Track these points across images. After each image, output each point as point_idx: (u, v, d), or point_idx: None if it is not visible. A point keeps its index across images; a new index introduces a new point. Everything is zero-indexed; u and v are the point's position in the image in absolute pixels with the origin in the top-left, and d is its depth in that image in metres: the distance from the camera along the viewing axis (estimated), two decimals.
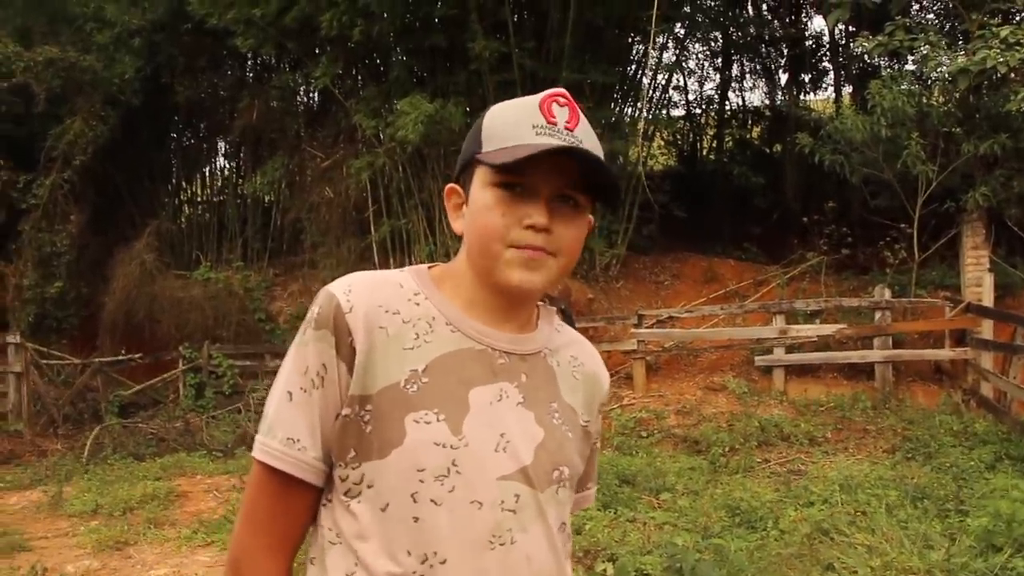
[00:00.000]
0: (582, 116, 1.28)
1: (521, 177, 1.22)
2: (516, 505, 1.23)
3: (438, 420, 1.20)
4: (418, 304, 1.27)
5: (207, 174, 17.95)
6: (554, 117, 1.25)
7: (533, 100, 1.27)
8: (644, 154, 14.12)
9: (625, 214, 13.10)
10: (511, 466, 1.23)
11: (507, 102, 1.31)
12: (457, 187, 1.33)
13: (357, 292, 1.24)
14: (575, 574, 5.13)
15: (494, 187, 1.23)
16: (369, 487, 1.20)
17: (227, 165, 17.83)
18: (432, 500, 1.18)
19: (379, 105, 12.93)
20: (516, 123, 1.25)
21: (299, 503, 1.25)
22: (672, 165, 18.00)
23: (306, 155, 14.53)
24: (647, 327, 11.03)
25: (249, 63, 16.08)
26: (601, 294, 12.51)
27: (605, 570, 5.02)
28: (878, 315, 10.19)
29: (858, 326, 10.30)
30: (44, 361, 12.46)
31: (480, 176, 1.26)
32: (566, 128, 1.25)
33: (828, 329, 10.24)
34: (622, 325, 11.37)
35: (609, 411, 9.98)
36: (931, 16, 11.98)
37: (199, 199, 17.95)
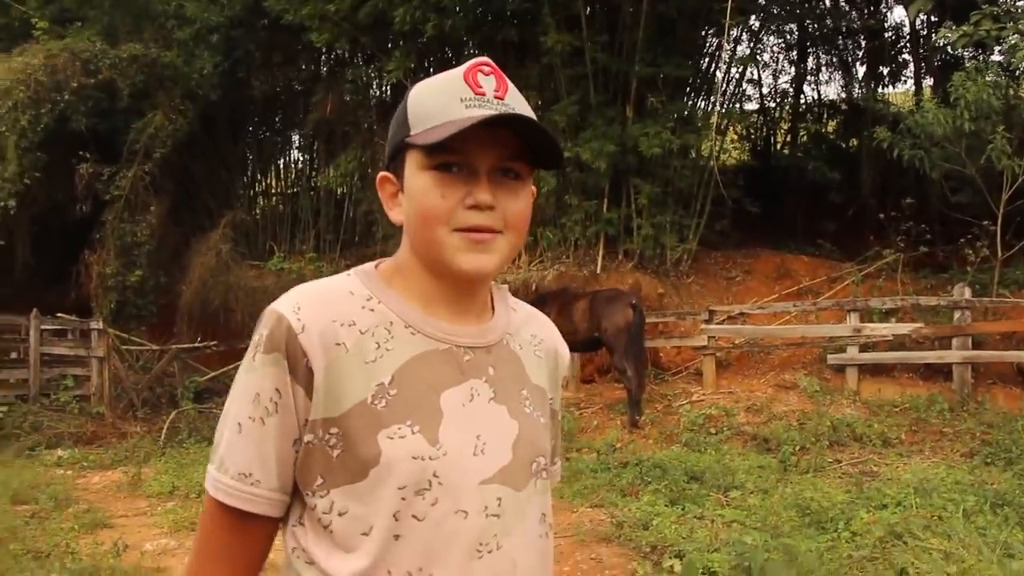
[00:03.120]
0: (510, 83, 1.21)
1: (456, 155, 1.15)
2: (499, 509, 1.19)
3: (413, 432, 1.14)
4: (372, 310, 1.20)
5: (281, 166, 18.37)
6: (481, 87, 1.18)
7: (457, 73, 1.20)
8: (717, 148, 13.93)
9: (697, 209, 12.97)
10: (491, 468, 1.19)
11: (430, 79, 1.23)
12: (390, 175, 1.25)
13: (307, 309, 1.16)
14: (642, 568, 5.13)
15: (429, 170, 1.17)
16: (342, 514, 1.15)
17: (301, 157, 18.22)
18: (414, 516, 1.14)
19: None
20: (442, 99, 1.17)
21: (256, 536, 1.20)
22: (745, 159, 17.74)
23: (379, 148, 14.65)
24: (718, 323, 10.91)
25: (323, 58, 16.33)
26: (672, 289, 12.41)
27: (672, 566, 4.98)
28: (957, 315, 9.86)
29: (936, 326, 10.00)
30: (124, 347, 12.86)
31: (413, 160, 1.19)
32: (495, 97, 1.18)
33: (904, 328, 9.97)
34: (692, 321, 11.26)
35: (678, 407, 9.91)
36: (1021, 3, 11.53)
37: (273, 191, 18.34)
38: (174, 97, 14.06)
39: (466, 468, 1.17)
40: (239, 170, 17.47)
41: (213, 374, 13.02)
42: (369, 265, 1.29)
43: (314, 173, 17.29)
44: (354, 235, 15.97)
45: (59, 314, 12.56)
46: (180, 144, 14.34)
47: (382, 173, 1.27)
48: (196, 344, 13.24)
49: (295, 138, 17.94)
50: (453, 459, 1.16)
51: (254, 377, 1.17)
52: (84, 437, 10.60)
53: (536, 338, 1.36)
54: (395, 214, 1.25)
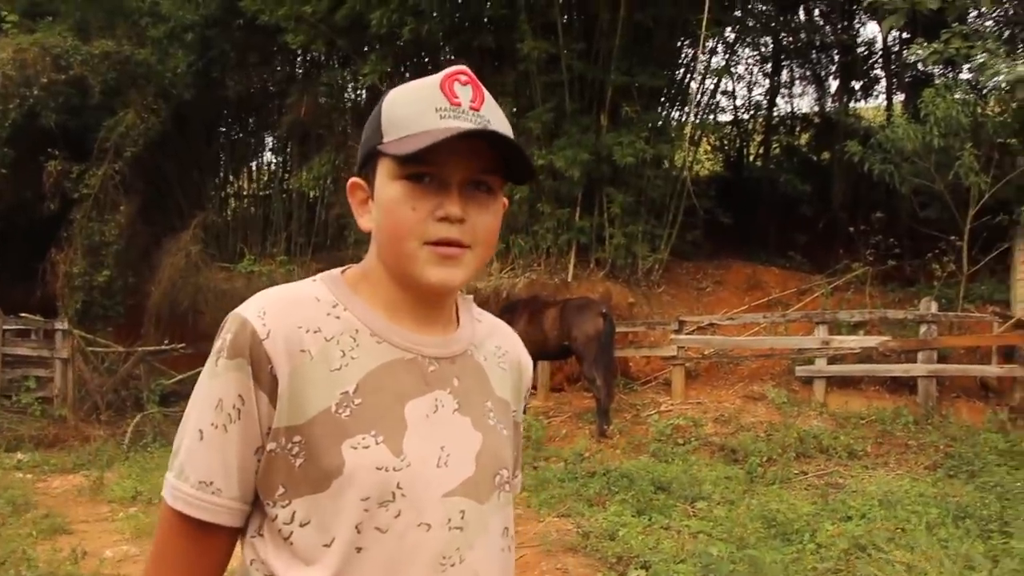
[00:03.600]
0: (487, 93, 1.20)
1: (429, 166, 1.14)
2: (462, 522, 1.17)
3: (377, 443, 1.13)
4: (338, 317, 1.18)
5: (254, 168, 18.28)
6: (457, 98, 1.16)
7: (433, 81, 1.18)
8: (690, 159, 14.01)
9: (669, 219, 13.02)
10: (454, 480, 1.18)
11: (406, 85, 1.21)
12: (360, 181, 1.23)
13: (273, 315, 1.15)
14: None
15: (401, 179, 1.15)
16: (304, 525, 1.12)
17: (274, 160, 18.13)
18: (377, 528, 1.12)
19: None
20: (418, 108, 1.16)
21: (215, 546, 1.18)
22: (718, 171, 17.85)
23: (352, 152, 14.60)
24: (687, 333, 10.94)
25: (299, 59, 16.27)
26: (642, 299, 12.44)
27: None
28: (924, 328, 9.97)
29: (903, 339, 10.10)
30: (90, 348, 12.67)
31: (385, 169, 1.17)
32: (471, 108, 1.16)
33: (872, 341, 10.06)
34: (662, 331, 11.29)
35: (646, 417, 9.93)
36: (989, 23, 11.70)
37: (245, 193, 18.23)
38: (147, 95, 13.92)
39: (429, 480, 1.15)
40: (211, 171, 17.32)
41: (180, 377, 12.83)
42: (335, 271, 1.27)
43: (287, 175, 17.19)
44: (326, 239, 15.90)
45: (23, 314, 12.36)
46: (152, 143, 14.19)
47: (352, 179, 1.26)
48: (163, 346, 13.07)
49: (268, 140, 17.87)
50: (417, 470, 1.14)
51: (217, 383, 1.14)
52: (45, 440, 10.43)
53: (500, 350, 1.35)
54: (364, 221, 1.24)
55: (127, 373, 12.51)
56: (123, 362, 12.76)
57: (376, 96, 14.93)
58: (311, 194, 16.33)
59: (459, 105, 1.16)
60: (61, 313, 13.03)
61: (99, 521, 7.04)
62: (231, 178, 18.15)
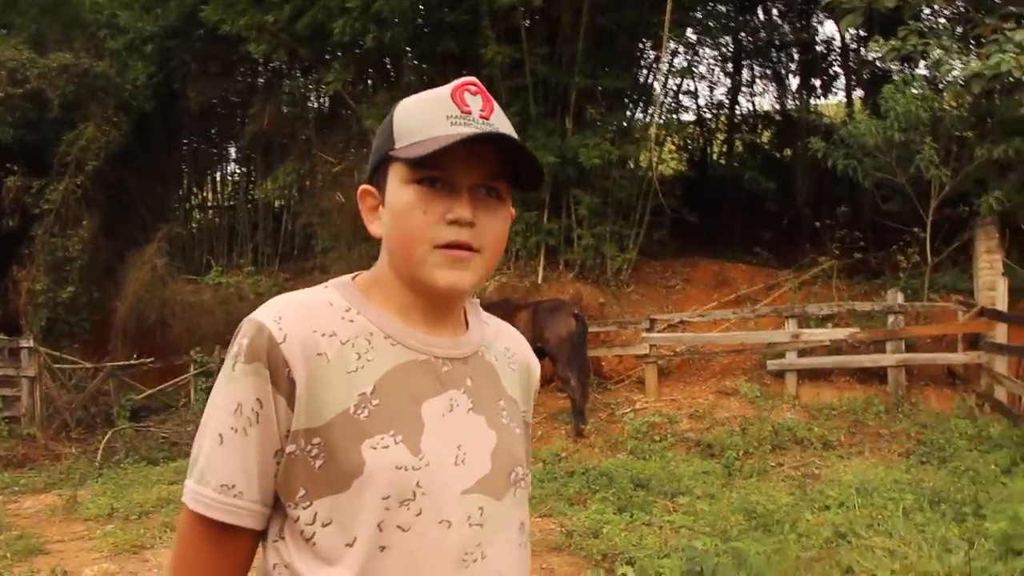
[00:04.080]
0: (496, 104, 1.23)
1: (440, 171, 1.17)
2: (481, 518, 1.19)
3: (396, 442, 1.14)
4: (352, 321, 1.20)
5: (218, 179, 18.14)
6: (468, 106, 1.20)
7: (444, 91, 1.21)
8: (655, 159, 14.12)
9: (636, 219, 13.10)
10: (472, 478, 1.20)
11: (417, 95, 1.25)
12: (371, 188, 1.26)
13: (289, 319, 1.16)
14: None
15: (412, 184, 1.18)
16: (326, 525, 1.14)
17: (238, 170, 17.93)
18: (399, 527, 1.13)
19: (391, 110, 12.93)
20: (429, 116, 1.19)
21: (237, 549, 1.18)
22: (683, 170, 17.98)
23: (317, 160, 14.56)
24: (659, 331, 11.01)
25: (261, 69, 16.11)
26: (612, 299, 12.50)
27: (625, 573, 5.02)
28: (891, 319, 10.16)
29: (871, 330, 10.27)
30: (56, 365, 12.48)
31: (396, 174, 1.20)
32: (481, 117, 1.20)
33: (841, 333, 10.21)
34: (634, 330, 11.35)
35: (622, 415, 9.99)
36: (943, 20, 11.94)
37: (210, 204, 18.07)
38: (107, 108, 13.76)
39: (448, 478, 1.17)
40: (174, 183, 17.16)
41: (150, 392, 12.74)
42: (346, 277, 1.29)
43: (251, 186, 17.05)
44: (293, 248, 15.82)
45: None
46: (113, 156, 14.03)
47: (363, 186, 1.28)
48: (132, 361, 12.92)
49: (232, 150, 17.68)
50: (435, 469, 1.16)
51: (235, 387, 1.15)
52: (15, 460, 10.24)
53: (509, 351, 1.38)
54: (375, 227, 1.26)
55: (96, 389, 12.34)
56: (91, 378, 12.59)
57: (339, 104, 14.93)
58: (276, 204, 16.22)
59: (469, 113, 1.19)
60: (25, 331, 12.84)
61: (75, 540, 6.93)
62: (195, 189, 17.99)
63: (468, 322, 1.33)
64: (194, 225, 17.35)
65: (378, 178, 1.24)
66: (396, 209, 1.19)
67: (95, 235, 14.11)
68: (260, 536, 1.20)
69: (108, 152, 13.76)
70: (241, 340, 1.16)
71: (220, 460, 1.15)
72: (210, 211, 17.91)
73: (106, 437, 10.58)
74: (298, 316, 1.18)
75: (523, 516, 1.30)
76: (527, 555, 1.31)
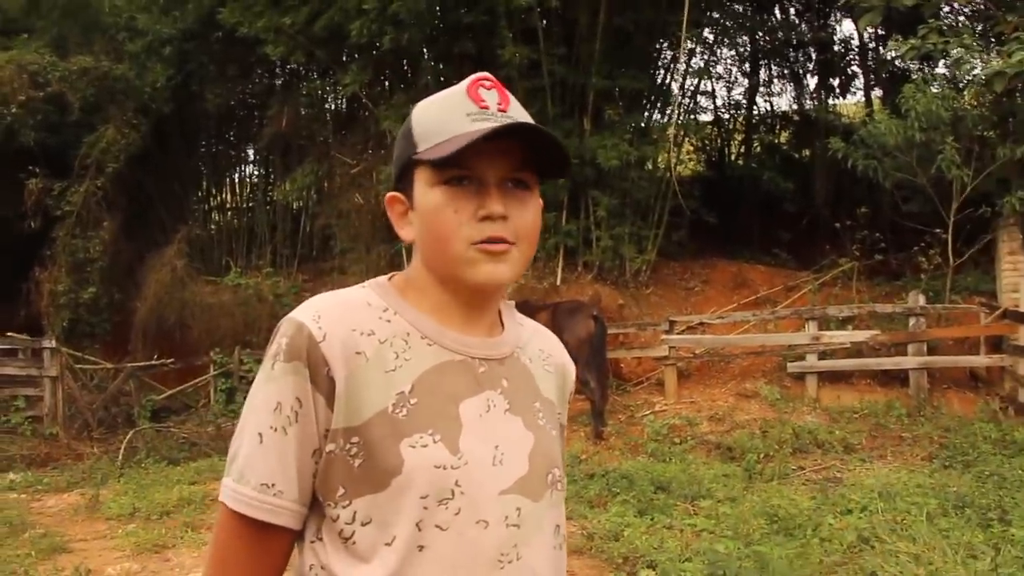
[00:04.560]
0: (511, 96, 1.23)
1: (465, 170, 1.17)
2: (519, 519, 1.19)
3: (434, 441, 1.15)
4: (389, 321, 1.20)
5: (236, 181, 18.19)
6: (484, 101, 1.19)
7: (459, 89, 1.21)
8: (674, 160, 14.08)
9: (655, 220, 13.07)
10: (509, 479, 1.19)
11: (431, 97, 1.25)
12: (399, 195, 1.26)
13: (328, 318, 1.17)
14: None
15: (439, 185, 1.18)
16: (365, 524, 1.14)
17: (256, 171, 18.03)
18: (437, 526, 1.13)
19: (408, 111, 12.88)
20: (448, 115, 1.19)
21: (276, 548, 1.18)
22: (701, 170, 17.94)
23: (335, 162, 14.61)
24: (678, 333, 10.98)
25: (278, 71, 16.20)
26: (631, 300, 12.48)
27: None
28: (912, 321, 10.08)
29: (892, 332, 10.20)
30: (78, 366, 12.59)
31: (422, 177, 1.20)
32: (499, 110, 1.20)
33: (861, 335, 10.15)
34: (653, 331, 11.32)
35: (641, 417, 9.96)
36: (963, 18, 11.85)
37: (228, 205, 18.13)
38: (126, 111, 13.85)
39: (486, 478, 1.17)
40: (193, 184, 17.25)
41: (170, 392, 12.81)
42: (383, 278, 1.29)
43: (270, 187, 17.16)
44: (311, 249, 15.87)
45: (9, 333, 12.25)
46: (133, 158, 14.11)
47: (390, 193, 1.28)
48: (152, 362, 13.00)
49: (250, 152, 17.78)
50: (474, 469, 1.16)
51: (274, 386, 1.16)
52: (37, 459, 10.33)
53: (544, 352, 1.37)
54: (405, 232, 1.26)
55: (117, 390, 12.43)
56: (112, 379, 12.68)
57: (357, 106, 14.98)
58: (295, 205, 16.32)
59: (487, 108, 1.19)
60: (47, 331, 12.92)
61: (98, 539, 6.96)
62: (213, 191, 18.06)
63: (504, 323, 1.32)
64: (213, 226, 17.44)
65: (404, 184, 1.24)
66: (426, 212, 1.19)
67: (115, 237, 14.19)
68: (296, 537, 1.20)
69: (128, 154, 13.84)
70: (280, 339, 1.17)
71: (260, 459, 1.15)
72: (229, 212, 17.98)
73: (127, 437, 10.64)
74: (337, 315, 1.18)
75: (559, 518, 1.30)
76: (563, 557, 1.30)
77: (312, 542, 1.19)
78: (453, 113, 1.19)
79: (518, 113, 1.22)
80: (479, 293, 1.23)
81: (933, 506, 6.06)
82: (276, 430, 1.15)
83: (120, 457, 10.07)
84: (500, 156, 1.18)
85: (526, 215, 1.21)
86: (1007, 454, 7.71)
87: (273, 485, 1.15)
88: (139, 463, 9.85)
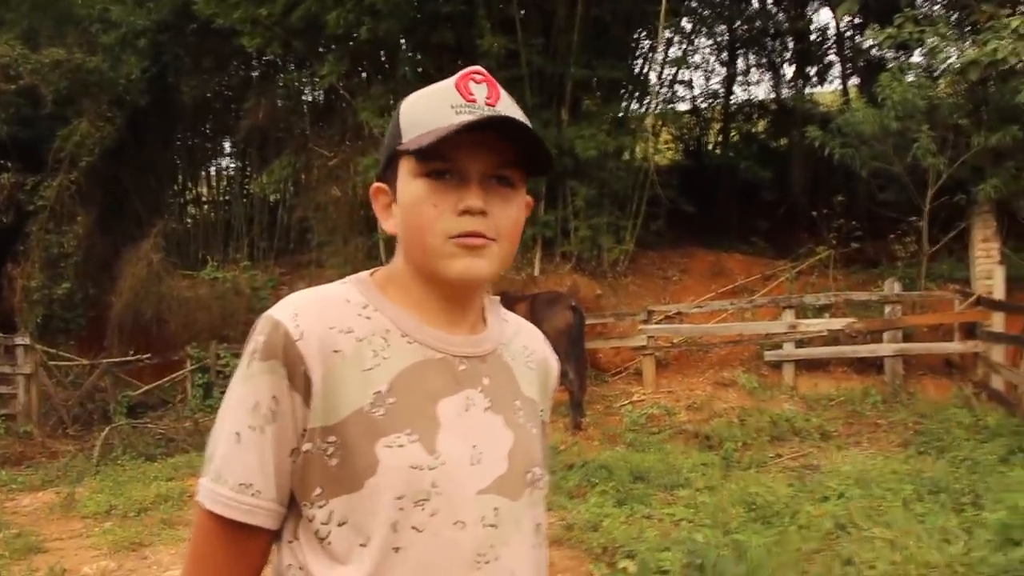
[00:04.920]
0: (503, 91, 1.21)
1: (448, 162, 1.15)
2: (496, 519, 1.18)
3: (411, 441, 1.13)
4: (369, 318, 1.19)
5: (213, 174, 18.03)
6: (472, 95, 1.18)
7: (449, 82, 1.20)
8: (651, 149, 14.11)
9: (633, 210, 13.09)
10: (488, 478, 1.18)
11: (421, 90, 1.23)
12: (383, 186, 1.24)
13: (305, 316, 1.15)
14: (598, 570, 5.15)
15: (422, 177, 1.16)
16: (341, 524, 1.13)
17: (233, 164, 17.90)
18: (414, 527, 1.12)
19: (386, 103, 12.92)
20: (433, 107, 1.18)
21: (254, 548, 1.17)
22: (678, 160, 17.99)
23: (312, 154, 14.52)
24: (656, 323, 11.02)
25: (255, 62, 16.08)
26: (609, 290, 12.50)
27: (627, 567, 5.01)
28: (888, 309, 10.17)
29: (868, 320, 10.28)
30: (52, 362, 12.46)
31: (405, 169, 1.18)
32: (487, 104, 1.18)
33: (838, 323, 10.22)
34: (631, 321, 11.34)
35: (620, 407, 9.99)
36: (938, 7, 11.92)
37: (205, 199, 18.00)
38: (100, 103, 13.67)
39: (464, 478, 1.16)
40: (169, 177, 17.10)
41: (147, 388, 12.71)
42: (364, 274, 1.27)
43: (247, 180, 17.04)
44: (288, 242, 15.79)
45: None
46: (107, 152, 13.95)
47: (375, 184, 1.26)
48: (128, 357, 12.88)
49: (226, 144, 17.65)
50: (451, 469, 1.15)
51: (251, 385, 1.14)
52: (11, 458, 10.21)
53: (527, 349, 1.36)
54: (389, 225, 1.24)
55: (92, 386, 12.31)
56: (88, 375, 12.56)
57: (334, 97, 14.88)
58: (272, 198, 16.22)
59: (474, 101, 1.17)
60: (21, 328, 12.77)
61: (74, 537, 6.91)
62: (190, 184, 17.92)
63: (487, 320, 1.31)
64: (189, 220, 17.32)
65: (389, 175, 1.23)
66: (407, 203, 1.18)
67: (90, 231, 14.05)
68: (275, 536, 1.19)
69: (102, 148, 13.68)
70: (258, 337, 1.15)
71: (237, 459, 1.14)
72: (205, 206, 17.85)
73: (103, 434, 10.53)
74: (315, 313, 1.16)
75: (539, 517, 1.28)
76: (543, 556, 1.29)
77: (290, 542, 1.18)
78: (439, 105, 1.17)
79: (507, 107, 1.20)
80: (458, 288, 1.21)
81: (908, 492, 6.12)
82: (253, 429, 1.13)
83: (96, 454, 9.98)
84: (484, 151, 1.16)
85: (508, 212, 1.19)
86: (980, 439, 7.79)
87: (251, 485, 1.14)
88: (115, 460, 9.75)
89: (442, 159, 1.15)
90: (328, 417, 1.13)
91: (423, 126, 1.16)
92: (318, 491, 1.14)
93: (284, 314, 1.15)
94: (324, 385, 1.13)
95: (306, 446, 1.13)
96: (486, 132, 1.14)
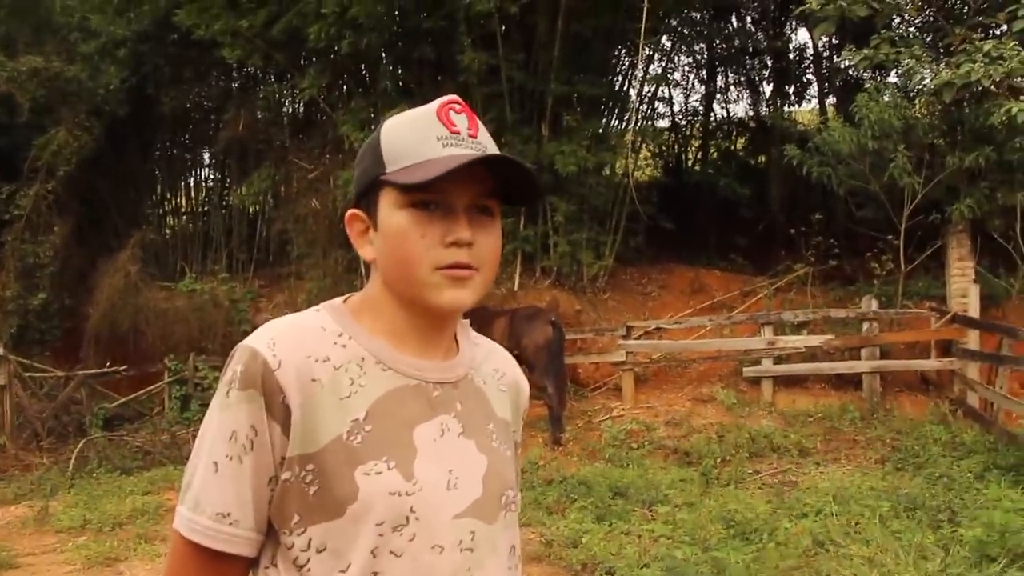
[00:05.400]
0: (480, 121, 1.24)
1: (435, 194, 1.16)
2: (473, 543, 1.20)
3: (389, 468, 1.15)
4: (344, 346, 1.20)
5: (192, 185, 17.90)
6: (455, 126, 1.20)
7: (429, 110, 1.21)
8: (631, 166, 14.18)
9: (612, 226, 13.13)
10: (464, 502, 1.20)
11: (400, 116, 1.24)
12: (359, 212, 1.25)
13: (283, 345, 1.16)
14: None
15: (407, 208, 1.17)
16: (320, 551, 1.14)
17: (212, 175, 17.77)
18: (392, 552, 1.13)
19: (366, 116, 12.91)
20: (418, 137, 1.19)
21: (231, 575, 1.18)
22: (658, 177, 18.07)
23: (292, 166, 14.47)
24: (635, 339, 11.04)
25: (235, 74, 16.01)
26: (588, 306, 12.52)
27: None
28: (865, 326, 10.25)
29: (845, 337, 10.35)
30: (27, 374, 12.31)
31: (388, 198, 1.19)
32: (469, 136, 1.20)
33: (816, 340, 10.29)
34: (610, 336, 11.38)
35: (599, 423, 10.00)
36: (913, 30, 12.08)
37: (183, 210, 17.86)
38: (79, 113, 13.58)
39: (441, 503, 1.18)
40: (148, 188, 16.97)
41: (123, 400, 12.59)
42: (337, 301, 1.29)
43: (226, 191, 16.95)
44: (268, 255, 15.70)
45: None
46: (85, 161, 13.84)
47: (351, 211, 1.27)
48: (104, 369, 12.75)
49: (206, 156, 17.52)
50: (428, 494, 1.17)
51: (229, 415, 1.15)
52: None
53: (498, 372, 1.38)
54: (366, 251, 1.25)
55: (68, 398, 12.18)
56: (63, 387, 12.41)
57: (315, 110, 14.85)
58: (251, 210, 16.12)
59: (458, 133, 1.20)
60: None
61: (47, 552, 6.83)
62: (168, 195, 17.77)
63: (459, 344, 1.33)
64: (168, 231, 17.18)
65: (367, 202, 1.23)
66: (392, 234, 1.19)
67: (67, 241, 13.94)
68: (252, 563, 1.20)
69: (80, 157, 13.58)
70: (235, 367, 1.16)
71: (215, 488, 1.15)
72: (184, 217, 17.72)
73: (78, 447, 10.42)
74: (292, 342, 1.17)
75: (514, 539, 1.30)
76: None
77: (267, 568, 1.19)
78: (424, 136, 1.19)
79: (487, 139, 1.23)
80: (439, 317, 1.23)
81: (886, 508, 6.17)
82: (231, 459, 1.14)
83: (70, 467, 9.87)
84: (470, 183, 1.18)
85: (489, 241, 1.21)
86: (956, 456, 7.86)
87: (228, 515, 1.14)
88: (90, 473, 9.65)
89: (429, 191, 1.16)
90: (307, 446, 1.14)
91: (410, 157, 1.18)
92: (296, 519, 1.15)
93: (262, 343, 1.16)
94: (302, 414, 1.14)
95: (285, 475, 1.15)
96: (475, 166, 1.16)
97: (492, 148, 1.23)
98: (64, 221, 13.85)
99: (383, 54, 13.36)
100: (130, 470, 9.78)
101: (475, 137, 1.21)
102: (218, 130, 15.44)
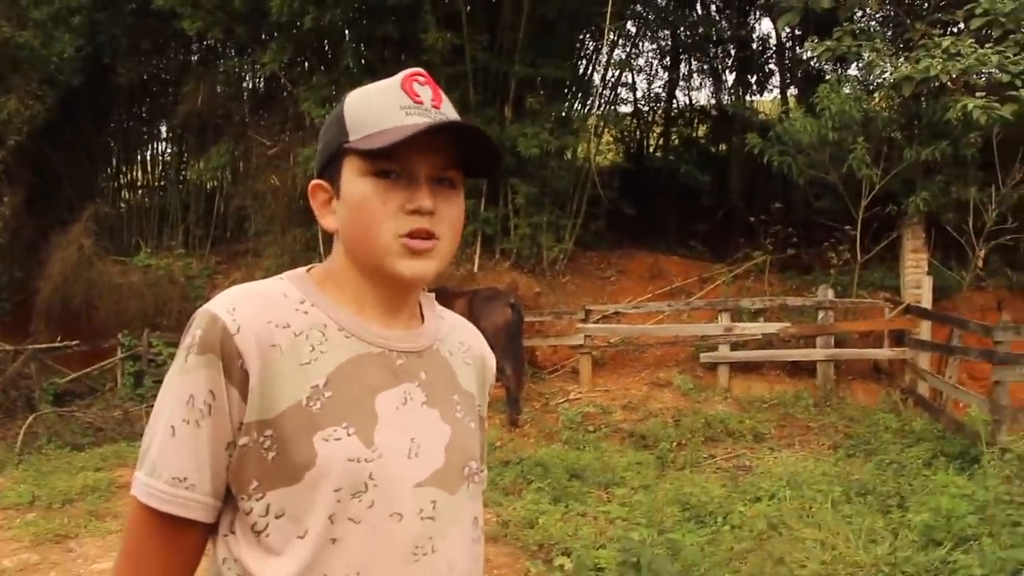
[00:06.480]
0: (443, 94, 1.24)
1: (397, 162, 1.17)
2: (434, 512, 1.20)
3: (348, 435, 1.14)
4: (306, 313, 1.20)
5: (148, 158, 17.55)
6: (419, 96, 1.21)
7: (394, 82, 1.22)
8: (593, 150, 14.20)
9: (573, 209, 13.16)
10: (425, 471, 1.20)
11: (365, 87, 1.25)
12: (323, 183, 1.25)
13: (243, 310, 1.15)
14: (535, 567, 5.17)
15: (369, 176, 1.18)
16: (278, 517, 1.14)
17: (169, 149, 17.45)
18: (350, 519, 1.13)
19: (328, 93, 12.75)
20: (382, 107, 1.19)
21: (188, 542, 1.18)
22: (619, 162, 18.11)
23: (251, 142, 14.26)
24: (594, 322, 11.09)
25: (195, 46, 15.71)
26: (548, 289, 12.55)
27: (563, 564, 5.04)
28: (821, 315, 10.40)
29: (801, 325, 10.50)
30: None
31: (351, 166, 1.19)
32: (433, 107, 1.21)
33: (772, 327, 10.42)
34: (569, 320, 11.41)
35: (556, 405, 10.04)
36: (875, 23, 12.22)
37: (139, 184, 17.52)
38: (31, 81, 13.20)
39: (401, 471, 1.18)
40: (103, 161, 16.60)
41: (75, 375, 12.36)
42: (301, 270, 1.28)
43: (183, 166, 16.64)
44: (225, 231, 15.48)
45: None
46: (37, 131, 13.51)
47: (315, 181, 1.27)
48: (55, 344, 12.50)
49: (163, 129, 17.18)
50: (388, 461, 1.17)
51: (187, 379, 1.14)
52: None
53: (464, 345, 1.38)
54: (329, 221, 1.25)
55: (16, 372, 11.90)
56: (12, 361, 12.13)
57: (276, 86, 14.64)
58: (209, 185, 15.86)
59: (421, 103, 1.21)
60: None
61: None
62: (124, 168, 17.39)
63: (424, 316, 1.33)
64: (123, 205, 16.82)
65: (330, 172, 1.23)
66: (354, 202, 1.19)
67: (17, 213, 13.61)
68: (210, 530, 1.19)
69: (32, 127, 13.24)
70: (194, 331, 1.15)
71: (172, 452, 1.14)
72: (140, 191, 17.37)
73: (27, 422, 10.23)
74: (252, 307, 1.17)
75: (477, 511, 1.31)
76: (480, 550, 1.31)
77: (225, 535, 1.18)
78: (387, 105, 1.19)
79: (450, 111, 1.23)
80: (401, 286, 1.23)
81: (837, 493, 6.26)
82: (189, 423, 1.14)
83: (18, 443, 9.69)
84: (432, 153, 1.19)
85: (451, 211, 1.22)
86: (906, 443, 8.01)
87: (185, 479, 1.14)
88: (39, 449, 9.46)
89: (393, 159, 1.17)
90: (265, 411, 1.14)
91: (372, 125, 1.18)
92: (255, 484, 1.14)
93: (221, 308, 1.16)
94: (261, 379, 1.14)
95: (243, 440, 1.14)
96: (437, 135, 1.17)
97: (456, 119, 1.22)
98: (14, 192, 13.52)
99: (346, 31, 13.19)
100: (81, 446, 9.62)
101: (438, 108, 1.21)
102: (176, 103, 15.12)
